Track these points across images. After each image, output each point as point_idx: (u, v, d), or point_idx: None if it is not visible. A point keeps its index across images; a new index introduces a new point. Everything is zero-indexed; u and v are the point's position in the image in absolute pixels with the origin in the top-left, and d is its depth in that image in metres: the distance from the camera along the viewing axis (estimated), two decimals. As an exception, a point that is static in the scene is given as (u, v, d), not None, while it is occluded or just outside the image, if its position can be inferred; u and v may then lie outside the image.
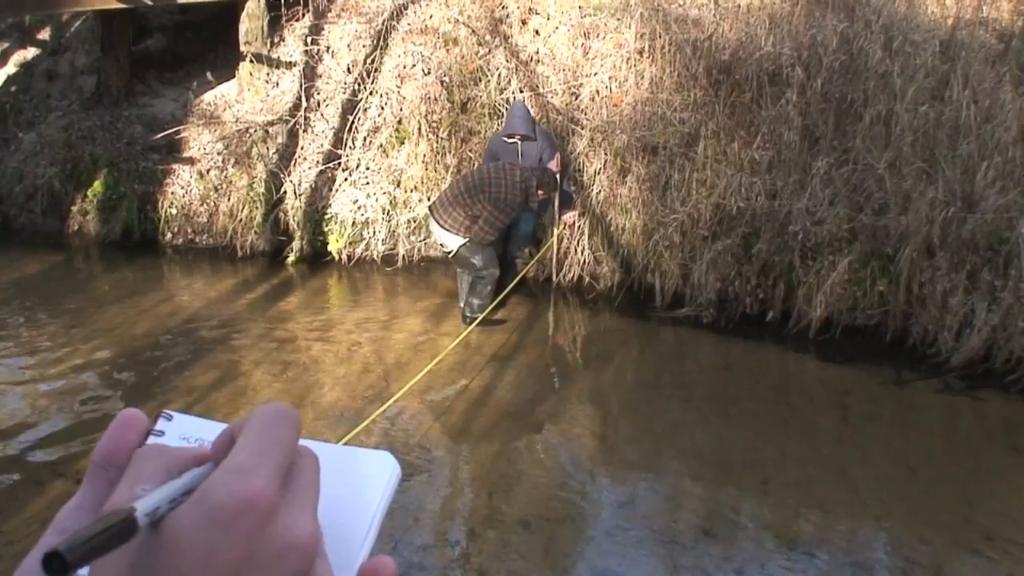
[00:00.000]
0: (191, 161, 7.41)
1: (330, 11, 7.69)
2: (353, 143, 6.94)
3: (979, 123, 5.25)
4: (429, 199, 6.36)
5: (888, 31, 6.01)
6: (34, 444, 4.05)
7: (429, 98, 6.80)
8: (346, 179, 6.93)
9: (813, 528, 3.44)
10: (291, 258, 6.83)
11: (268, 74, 7.61)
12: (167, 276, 6.97)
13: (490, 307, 5.39)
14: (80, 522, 0.36)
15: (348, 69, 7.31)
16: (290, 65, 7.57)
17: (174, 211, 7.33)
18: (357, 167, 6.93)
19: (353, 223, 6.81)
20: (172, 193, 7.36)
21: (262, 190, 7.00)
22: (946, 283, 4.89)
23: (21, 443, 4.06)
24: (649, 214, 5.93)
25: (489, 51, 6.95)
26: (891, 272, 5.11)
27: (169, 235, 7.35)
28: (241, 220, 7.05)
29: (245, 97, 7.61)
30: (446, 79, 6.83)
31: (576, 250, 6.23)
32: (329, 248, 6.85)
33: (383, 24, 7.20)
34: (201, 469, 0.35)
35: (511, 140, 5.68)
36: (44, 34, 9.14)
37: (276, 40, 7.72)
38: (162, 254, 7.25)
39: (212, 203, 7.23)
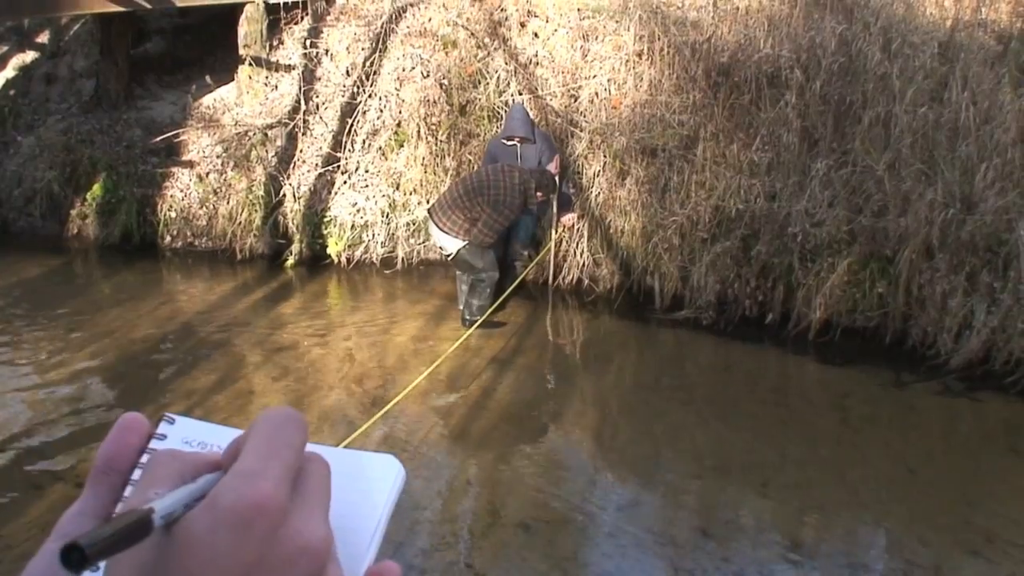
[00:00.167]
0: (190, 164, 7.41)
1: (329, 14, 7.70)
2: (352, 146, 6.94)
3: (978, 125, 5.25)
4: (428, 202, 6.35)
5: (887, 33, 6.02)
6: (33, 448, 4.05)
7: (428, 101, 6.80)
8: (345, 182, 6.93)
9: (813, 529, 3.44)
10: (290, 261, 6.83)
11: (267, 77, 7.62)
12: (166, 279, 6.97)
13: (489, 310, 5.39)
14: (83, 528, 0.36)
15: (347, 72, 7.32)
16: (289, 68, 7.57)
17: (173, 214, 7.33)
18: (356, 170, 6.94)
19: (352, 226, 6.81)
20: (171, 196, 7.36)
21: (261, 193, 7.00)
22: (945, 285, 4.89)
23: (20, 447, 4.06)
24: (648, 216, 5.93)
25: (488, 54, 6.95)
26: (890, 274, 5.11)
27: (168, 238, 7.35)
28: (240, 223, 7.05)
29: (244, 100, 7.61)
30: (445, 82, 6.83)
31: (575, 253, 6.23)
32: (328, 251, 6.85)
33: (382, 27, 7.21)
34: (214, 475, 0.35)
35: (510, 143, 5.68)
36: (43, 37, 9.14)
37: (275, 43, 7.72)
38: (161, 257, 7.25)
39: (211, 206, 7.22)
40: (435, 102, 6.79)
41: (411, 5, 7.37)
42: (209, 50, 8.38)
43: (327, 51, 7.51)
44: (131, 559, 0.32)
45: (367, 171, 6.92)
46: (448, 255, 5.42)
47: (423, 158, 6.72)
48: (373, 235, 6.79)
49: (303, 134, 7.16)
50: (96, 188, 7.49)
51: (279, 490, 0.33)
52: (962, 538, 3.36)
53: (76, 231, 7.61)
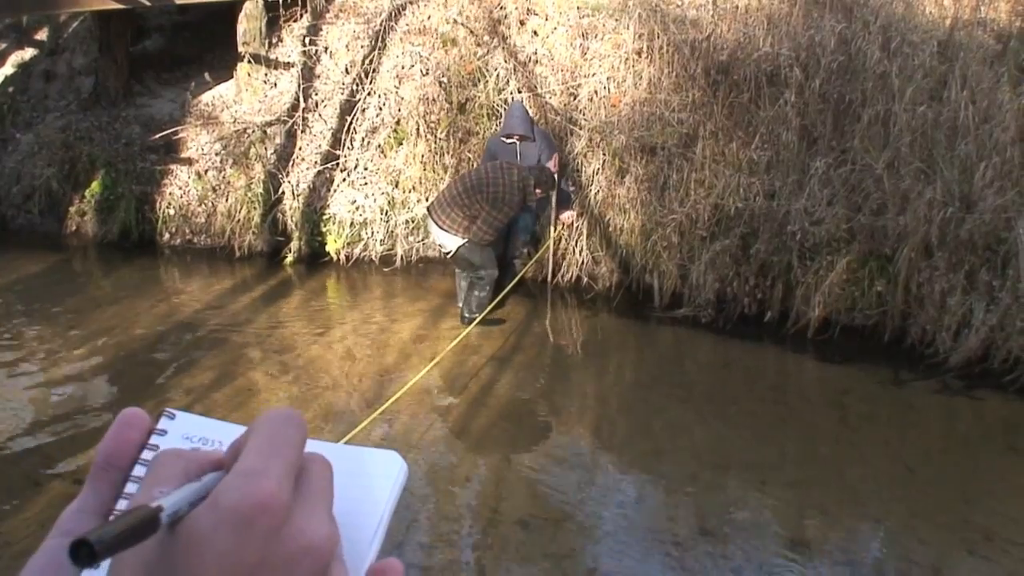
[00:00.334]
0: (189, 162, 7.40)
1: (328, 12, 7.68)
2: (351, 143, 6.94)
3: (977, 123, 5.25)
4: (427, 200, 6.35)
5: (886, 31, 6.01)
6: (32, 445, 4.05)
7: (427, 99, 6.80)
8: (344, 179, 6.93)
9: (811, 527, 3.45)
10: (289, 258, 6.83)
11: (266, 75, 7.60)
12: (165, 277, 6.96)
13: (489, 307, 5.39)
14: (83, 525, 0.36)
15: (346, 70, 7.31)
16: (288, 66, 7.56)
17: (172, 211, 7.32)
18: (355, 168, 6.93)
19: (351, 224, 6.80)
20: (170, 194, 7.35)
21: (260, 190, 7.00)
22: (944, 283, 4.89)
23: (19, 444, 4.05)
24: (647, 214, 5.93)
25: (487, 52, 6.95)
26: (889, 272, 5.12)
27: (167, 236, 7.34)
28: (239, 220, 7.04)
29: (243, 97, 7.60)
30: (444, 80, 6.83)
31: (574, 250, 6.23)
32: (327, 248, 6.85)
33: (381, 24, 7.20)
34: (217, 474, 0.35)
35: (509, 140, 5.68)
36: (42, 34, 9.12)
37: (274, 41, 7.71)
38: (160, 255, 7.24)
39: (210, 203, 7.22)
40: (434, 100, 6.79)
41: (410, 3, 7.36)
42: (208, 47, 8.36)
43: (326, 48, 7.50)
44: (134, 557, 0.32)
45: (366, 169, 6.92)
46: (447, 253, 5.42)
47: (422, 156, 6.72)
48: (372, 233, 6.78)
49: (302, 132, 7.15)
50: (95, 185, 7.48)
51: (281, 488, 0.33)
52: (961, 536, 3.37)
53: (75, 228, 7.60)
